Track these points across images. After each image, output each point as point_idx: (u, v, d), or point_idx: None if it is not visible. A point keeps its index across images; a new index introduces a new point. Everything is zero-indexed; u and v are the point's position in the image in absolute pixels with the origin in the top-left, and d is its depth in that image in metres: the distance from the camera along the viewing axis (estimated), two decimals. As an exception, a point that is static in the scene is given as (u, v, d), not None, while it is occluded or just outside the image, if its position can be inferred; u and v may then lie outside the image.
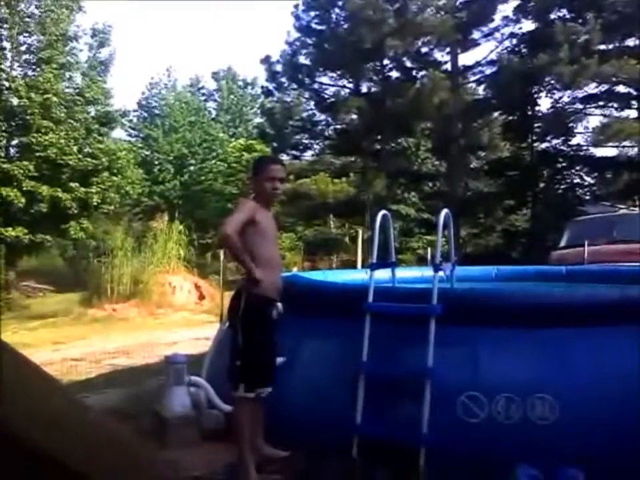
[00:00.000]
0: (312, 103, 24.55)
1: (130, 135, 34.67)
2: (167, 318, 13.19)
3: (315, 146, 26.33)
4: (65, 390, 0.69)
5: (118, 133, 26.36)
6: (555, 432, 3.10)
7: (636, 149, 21.08)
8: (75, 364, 7.70)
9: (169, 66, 40.79)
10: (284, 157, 25.51)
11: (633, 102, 21.19)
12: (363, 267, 9.69)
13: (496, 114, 23.13)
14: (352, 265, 16.75)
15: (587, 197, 22.53)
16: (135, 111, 35.92)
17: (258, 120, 32.24)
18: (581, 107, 22.23)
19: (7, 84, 18.59)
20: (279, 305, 3.04)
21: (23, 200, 17.37)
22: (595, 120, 22.70)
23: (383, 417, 3.42)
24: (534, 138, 23.05)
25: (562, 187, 23.27)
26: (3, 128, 18.22)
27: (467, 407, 3.23)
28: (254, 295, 2.92)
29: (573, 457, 2.95)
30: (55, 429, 0.66)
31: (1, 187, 17.12)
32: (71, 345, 9.89)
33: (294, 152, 25.66)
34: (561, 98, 22.43)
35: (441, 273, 3.87)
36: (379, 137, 23.31)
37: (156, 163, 32.64)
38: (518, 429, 3.14)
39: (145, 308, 14.29)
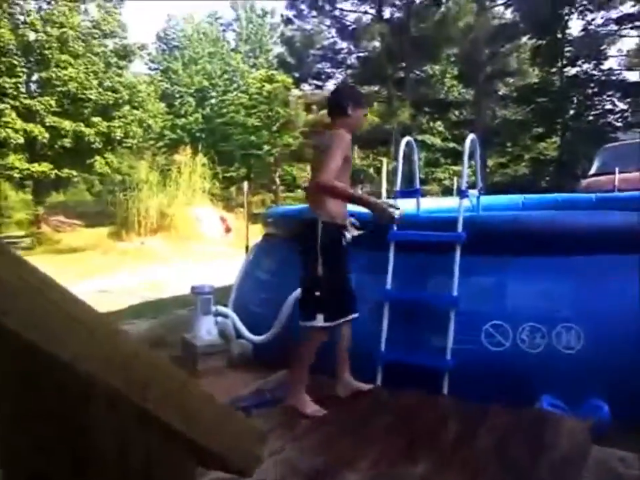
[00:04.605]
0: (333, 30, 23.80)
1: (150, 68, 34.28)
2: (194, 250, 13.36)
3: (338, 75, 25.66)
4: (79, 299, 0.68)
5: (137, 67, 26.05)
6: (580, 361, 3.09)
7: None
8: (105, 295, 7.89)
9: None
10: (305, 87, 24.99)
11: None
12: (387, 197, 9.60)
13: (524, 38, 22.21)
14: (376, 196, 16.64)
15: (619, 124, 21.75)
16: (153, 43, 35.39)
17: (278, 49, 31.42)
18: (615, 28, 21.14)
19: (22, 18, 18.35)
20: (347, 233, 3.00)
21: (47, 135, 17.45)
22: (630, 42, 21.70)
23: (407, 344, 3.45)
24: (564, 62, 22.11)
25: (592, 113, 22.46)
26: (22, 63, 18.10)
27: (492, 335, 3.24)
28: (330, 224, 2.89)
29: (597, 387, 2.95)
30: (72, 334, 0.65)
31: (24, 123, 17.16)
32: (101, 276, 10.12)
33: (316, 82, 25.11)
34: (593, 19, 21.36)
35: (466, 201, 3.80)
36: (403, 65, 22.60)
37: (177, 96, 32.31)
38: (542, 358, 3.14)
39: (173, 241, 14.49)
